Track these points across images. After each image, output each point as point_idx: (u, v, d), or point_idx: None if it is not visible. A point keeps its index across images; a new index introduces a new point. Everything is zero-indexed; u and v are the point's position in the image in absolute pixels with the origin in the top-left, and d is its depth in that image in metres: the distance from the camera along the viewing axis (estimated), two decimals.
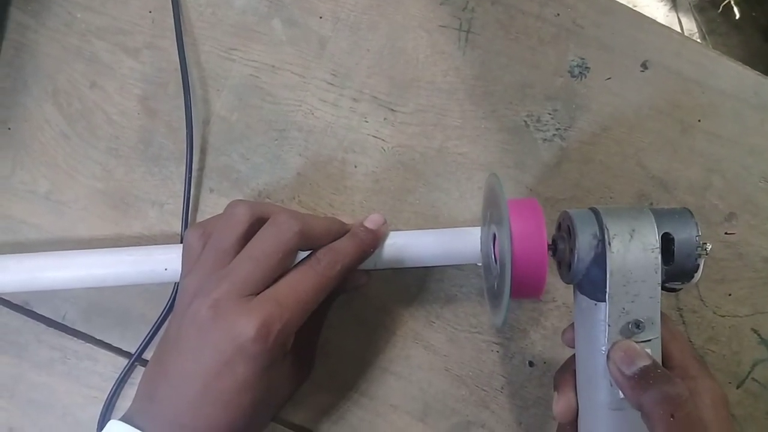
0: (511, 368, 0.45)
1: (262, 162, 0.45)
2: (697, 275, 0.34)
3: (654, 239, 0.33)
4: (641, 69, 0.45)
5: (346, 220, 0.39)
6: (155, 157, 0.46)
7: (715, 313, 0.45)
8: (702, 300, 0.45)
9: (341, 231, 0.38)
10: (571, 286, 0.36)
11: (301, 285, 0.34)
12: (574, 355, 0.38)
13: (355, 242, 0.37)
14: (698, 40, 1.21)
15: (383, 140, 0.45)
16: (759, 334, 0.44)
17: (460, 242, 0.39)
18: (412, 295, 0.45)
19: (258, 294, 0.33)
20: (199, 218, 0.45)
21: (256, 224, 0.36)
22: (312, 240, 0.36)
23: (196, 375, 0.32)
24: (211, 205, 0.45)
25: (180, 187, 0.45)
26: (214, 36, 0.46)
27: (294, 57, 0.46)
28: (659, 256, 0.32)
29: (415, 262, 0.39)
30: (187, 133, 0.44)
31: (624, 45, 0.45)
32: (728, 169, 0.45)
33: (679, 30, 1.18)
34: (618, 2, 0.46)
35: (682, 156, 0.45)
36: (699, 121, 0.45)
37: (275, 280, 0.34)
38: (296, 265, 0.36)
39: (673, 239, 0.33)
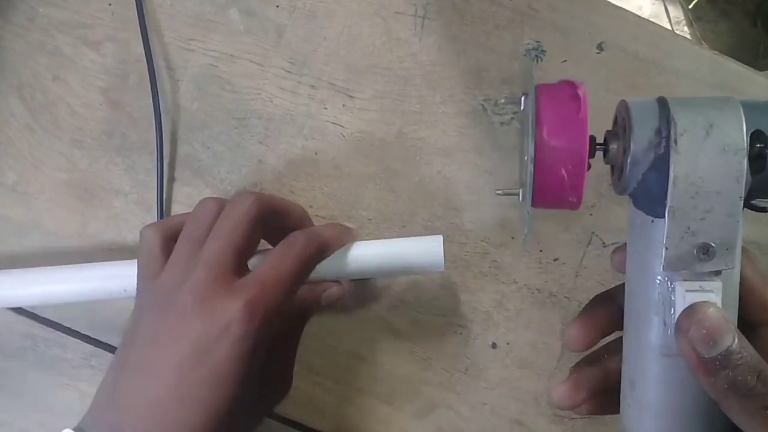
0: (475, 350, 0.45)
1: (223, 150, 0.46)
2: None
3: (740, 138, 0.25)
4: (597, 51, 0.46)
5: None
6: (118, 147, 0.46)
7: None
8: None
9: (300, 211, 0.40)
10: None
11: (281, 266, 0.34)
12: (616, 286, 0.33)
13: (329, 228, 0.38)
14: (686, 28, 1.20)
15: (342, 126, 0.46)
16: None
17: (423, 254, 0.39)
18: (376, 280, 0.45)
19: (238, 274, 0.34)
20: (165, 207, 0.46)
21: None
22: (272, 210, 0.37)
23: (170, 367, 0.31)
24: (174, 194, 0.46)
25: (143, 177, 0.46)
26: (173, 27, 0.46)
27: (252, 46, 0.46)
28: (745, 161, 0.25)
29: (377, 275, 0.40)
30: (155, 122, 0.45)
31: (579, 27, 0.46)
32: None
33: (666, 19, 1.18)
34: None
35: None
36: None
37: (248, 266, 0.35)
38: (272, 250, 0.36)
39: (767, 139, 0.25)
